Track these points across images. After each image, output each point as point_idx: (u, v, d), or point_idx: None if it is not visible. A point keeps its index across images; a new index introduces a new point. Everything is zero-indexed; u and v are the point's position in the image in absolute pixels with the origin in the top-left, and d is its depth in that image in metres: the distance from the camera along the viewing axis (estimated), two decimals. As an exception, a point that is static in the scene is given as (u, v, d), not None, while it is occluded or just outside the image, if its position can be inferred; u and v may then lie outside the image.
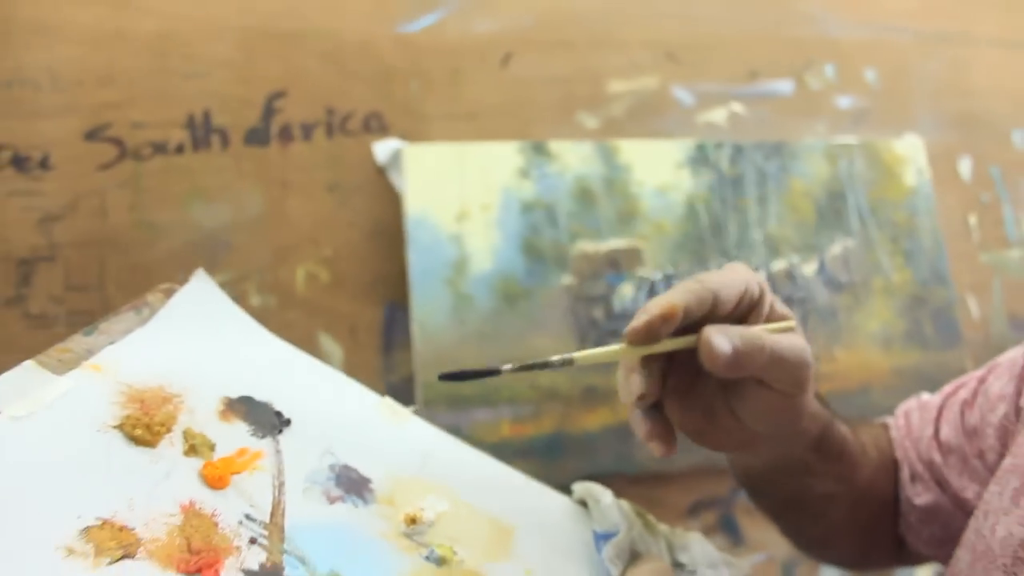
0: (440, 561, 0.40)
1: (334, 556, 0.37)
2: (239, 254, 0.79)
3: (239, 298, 0.79)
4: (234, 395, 0.42)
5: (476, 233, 0.78)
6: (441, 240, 0.77)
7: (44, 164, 0.77)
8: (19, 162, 0.76)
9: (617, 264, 0.80)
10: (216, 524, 0.35)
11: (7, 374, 0.36)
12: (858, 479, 0.53)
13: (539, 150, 0.81)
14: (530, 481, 0.48)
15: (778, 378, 0.40)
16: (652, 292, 0.80)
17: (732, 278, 0.41)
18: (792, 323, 0.43)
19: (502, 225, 0.79)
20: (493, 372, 0.39)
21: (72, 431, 0.35)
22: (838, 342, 0.84)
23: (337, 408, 0.46)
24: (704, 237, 0.82)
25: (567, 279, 0.79)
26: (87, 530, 0.32)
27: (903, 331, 0.86)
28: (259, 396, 0.42)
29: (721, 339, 0.37)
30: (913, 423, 0.57)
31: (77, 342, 0.40)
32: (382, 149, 0.81)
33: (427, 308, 0.75)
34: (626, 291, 0.80)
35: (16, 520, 0.31)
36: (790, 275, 0.84)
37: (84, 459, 0.34)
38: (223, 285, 0.80)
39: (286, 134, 0.80)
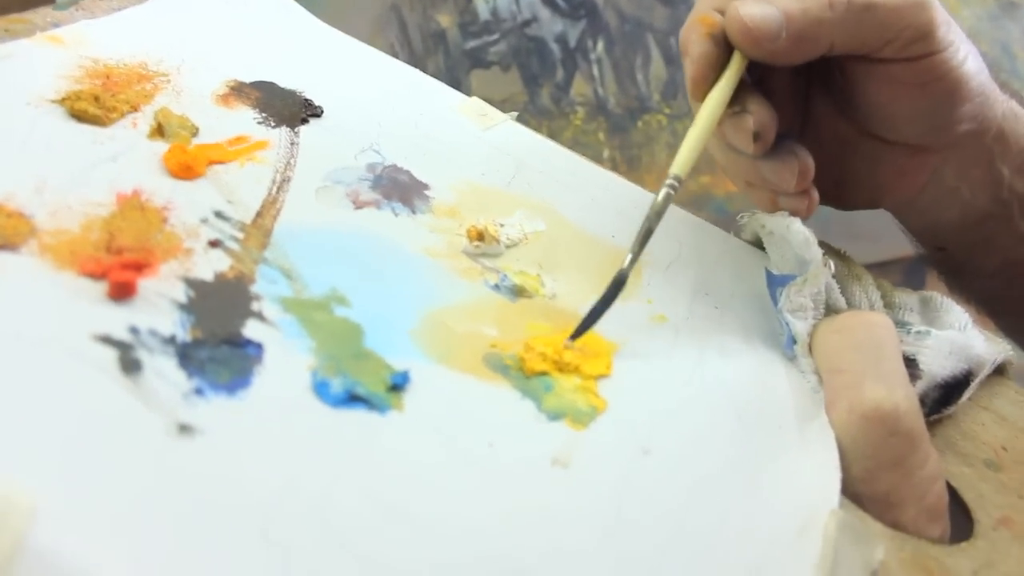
0: (516, 292, 0.31)
1: (340, 273, 0.28)
2: None
3: None
4: (247, 79, 0.35)
5: None
6: None
7: None
8: None
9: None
10: (165, 219, 0.28)
11: None
12: None
13: None
14: (676, 208, 0.36)
15: (882, 36, 0.32)
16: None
17: None
18: None
19: None
20: (619, 286, 0.30)
21: None
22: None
23: (399, 103, 0.37)
24: None
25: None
26: None
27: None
28: (285, 83, 0.35)
29: (755, 5, 0.31)
30: None
31: (41, 14, 0.35)
32: None
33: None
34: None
35: None
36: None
37: None
38: None
39: None
